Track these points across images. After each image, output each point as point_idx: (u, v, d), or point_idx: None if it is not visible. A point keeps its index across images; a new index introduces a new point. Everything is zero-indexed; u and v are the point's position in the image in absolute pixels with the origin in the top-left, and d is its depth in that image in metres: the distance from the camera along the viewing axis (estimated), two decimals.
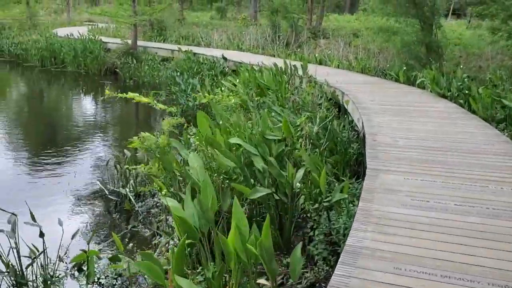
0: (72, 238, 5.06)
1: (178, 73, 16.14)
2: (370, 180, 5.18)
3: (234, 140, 6.22)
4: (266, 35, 22.69)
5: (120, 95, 8.74)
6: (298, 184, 5.37)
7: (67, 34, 25.12)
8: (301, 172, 5.40)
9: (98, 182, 7.91)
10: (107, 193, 7.67)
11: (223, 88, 11.54)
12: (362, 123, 8.07)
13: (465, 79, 11.45)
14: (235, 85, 11.91)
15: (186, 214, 4.33)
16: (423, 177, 5.32)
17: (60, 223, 5.13)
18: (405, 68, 13.44)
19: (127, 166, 7.05)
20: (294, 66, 12.61)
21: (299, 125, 7.60)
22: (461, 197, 4.75)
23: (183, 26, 29.18)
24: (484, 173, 5.50)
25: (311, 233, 5.44)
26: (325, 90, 11.46)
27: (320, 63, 17.28)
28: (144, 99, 8.45)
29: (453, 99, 10.41)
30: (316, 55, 18.51)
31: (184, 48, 20.70)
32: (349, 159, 7.48)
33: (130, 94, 8.74)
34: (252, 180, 5.80)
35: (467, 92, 10.34)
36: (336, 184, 6.14)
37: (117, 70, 20.90)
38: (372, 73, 15.04)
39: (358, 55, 18.20)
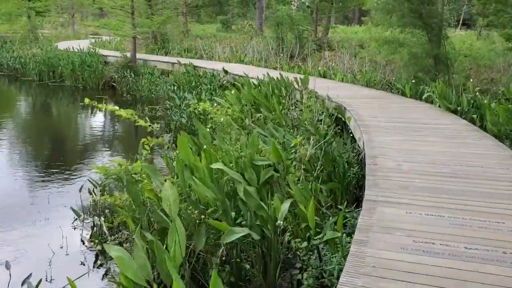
0: (22, 285, 4.35)
1: (175, 87, 15.51)
2: (366, 216, 4.44)
3: (216, 165, 5.55)
4: (270, 48, 22.06)
5: (99, 106, 7.97)
6: (280, 222, 4.63)
7: (67, 48, 24.64)
8: (286, 206, 4.68)
9: (71, 210, 7.14)
10: (80, 222, 6.94)
11: (215, 104, 10.85)
12: (363, 143, 7.35)
13: (476, 93, 10.71)
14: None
15: (138, 264, 3.63)
16: (428, 211, 4.58)
17: (8, 266, 4.46)
18: (413, 81, 12.70)
19: (99, 194, 6.31)
20: (296, 79, 11.92)
21: (293, 146, 6.91)
22: (474, 237, 4.00)
23: (187, 39, 28.63)
24: (500, 205, 4.75)
25: (300, 276, 4.72)
26: (326, 105, 10.77)
27: (324, 76, 16.60)
28: (123, 114, 7.78)
29: (463, 115, 9.67)
30: (320, 68, 17.81)
31: (184, 61, 20.12)
32: (349, 184, 6.73)
33: (110, 107, 8.10)
34: (233, 214, 5.10)
35: (479, 107, 9.62)
36: (330, 217, 5.41)
37: (114, 84, 20.28)
38: (377, 86, 14.32)
39: (363, 67, 17.47)
